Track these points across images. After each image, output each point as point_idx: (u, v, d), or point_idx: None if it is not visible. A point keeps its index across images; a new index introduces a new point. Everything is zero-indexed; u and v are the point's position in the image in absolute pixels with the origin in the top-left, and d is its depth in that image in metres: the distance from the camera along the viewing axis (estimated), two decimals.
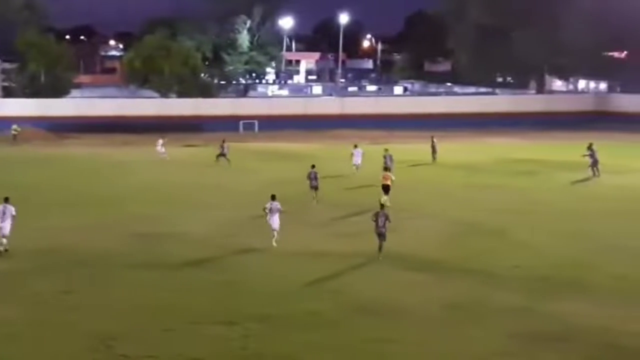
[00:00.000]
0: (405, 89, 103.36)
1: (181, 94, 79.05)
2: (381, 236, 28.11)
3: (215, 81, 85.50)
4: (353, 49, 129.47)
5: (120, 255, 28.42)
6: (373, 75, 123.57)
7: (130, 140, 64.03)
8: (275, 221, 29.69)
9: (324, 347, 19.88)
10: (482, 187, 42.61)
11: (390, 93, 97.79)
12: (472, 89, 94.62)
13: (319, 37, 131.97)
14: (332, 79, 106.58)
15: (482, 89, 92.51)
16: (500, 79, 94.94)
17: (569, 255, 28.74)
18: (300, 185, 42.06)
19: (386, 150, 44.77)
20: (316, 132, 67.31)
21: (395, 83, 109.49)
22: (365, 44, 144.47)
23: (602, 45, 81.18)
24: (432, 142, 51.44)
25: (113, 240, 30.71)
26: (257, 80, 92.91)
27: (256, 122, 72.24)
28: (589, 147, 46.06)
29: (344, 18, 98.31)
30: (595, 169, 45.44)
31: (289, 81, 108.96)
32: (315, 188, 38.65)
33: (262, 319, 21.60)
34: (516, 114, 76.69)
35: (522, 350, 19.70)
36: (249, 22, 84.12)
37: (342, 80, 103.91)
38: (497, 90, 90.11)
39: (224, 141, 52.15)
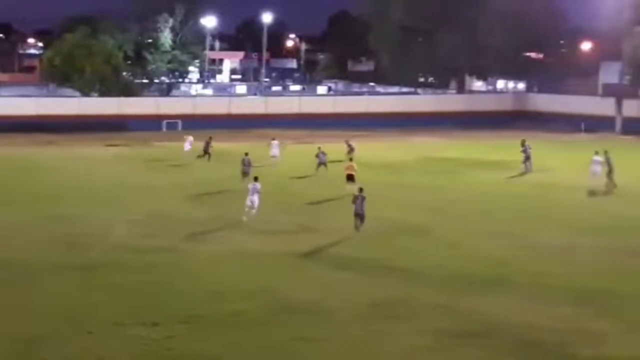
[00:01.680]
0: (329, 89, 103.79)
1: (103, 93, 78.10)
2: (359, 216, 31.08)
3: (138, 80, 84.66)
4: (277, 49, 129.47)
5: (41, 256, 27.98)
6: (297, 74, 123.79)
7: (53, 140, 63.00)
8: (254, 200, 33.01)
9: (249, 347, 19.93)
10: (406, 186, 43.12)
11: (314, 93, 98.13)
12: (395, 89, 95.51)
13: (242, 37, 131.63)
14: (256, 78, 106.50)
15: (405, 89, 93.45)
16: (422, 79, 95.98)
17: (491, 252, 29.27)
18: (226, 184, 42.21)
19: (319, 148, 46.11)
20: (240, 131, 67.20)
21: (319, 83, 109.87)
22: (289, 43, 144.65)
23: (520, 46, 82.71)
24: (347, 144, 51.90)
25: (33, 241, 30.24)
26: (180, 80, 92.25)
27: (180, 122, 71.75)
28: (522, 144, 47.30)
29: (267, 17, 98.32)
30: (527, 164, 46.78)
31: (213, 80, 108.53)
32: (245, 174, 40.81)
33: (186, 320, 21.53)
34: (438, 113, 77.71)
35: (445, 347, 20.01)
36: (171, 21, 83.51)
37: (266, 79, 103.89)
38: (419, 90, 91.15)
39: (210, 138, 52.07)
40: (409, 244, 30.59)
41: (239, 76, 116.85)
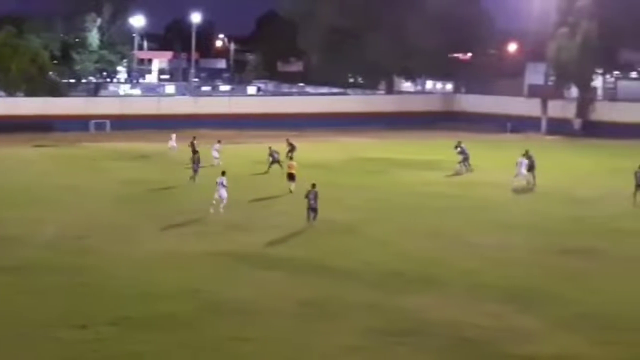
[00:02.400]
0: (259, 89, 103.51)
1: (29, 93, 76.74)
2: (313, 210, 33.00)
3: (65, 80, 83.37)
4: (206, 49, 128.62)
5: None
6: (226, 75, 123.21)
7: None
8: (222, 193, 34.80)
9: (180, 348, 19.83)
10: (337, 185, 43.21)
11: (244, 93, 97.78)
12: (324, 89, 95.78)
13: (171, 36, 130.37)
14: (185, 78, 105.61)
15: (335, 90, 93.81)
16: (351, 80, 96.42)
17: (421, 251, 29.61)
18: (155, 184, 41.93)
19: (270, 148, 46.65)
20: (169, 131, 66.65)
21: (249, 83, 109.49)
22: (218, 43, 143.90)
23: (448, 48, 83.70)
24: (288, 143, 52.02)
25: None
26: (108, 80, 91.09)
27: (108, 122, 70.96)
28: (458, 145, 48.11)
29: (196, 17, 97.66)
30: (465, 164, 47.62)
31: (142, 80, 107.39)
32: (195, 172, 42.83)
33: (116, 322, 21.36)
34: (367, 114, 78.23)
35: (375, 345, 20.16)
36: (98, 21, 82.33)
37: (196, 79, 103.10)
38: (349, 91, 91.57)
39: (194, 138, 51.63)
40: (340, 243, 30.75)
41: (167, 76, 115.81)
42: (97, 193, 40.49)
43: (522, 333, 21.08)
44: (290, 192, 39.63)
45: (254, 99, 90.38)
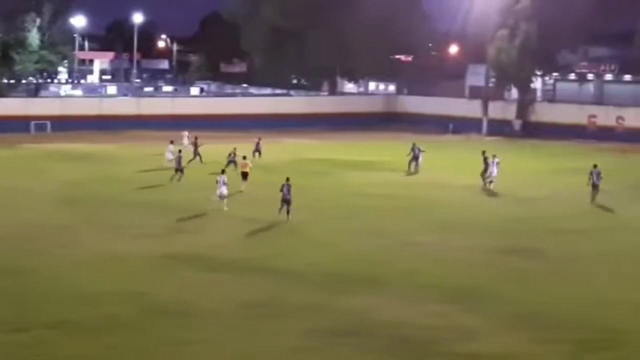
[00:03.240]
0: (202, 90, 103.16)
1: None
2: (287, 202, 34.18)
3: (5, 81, 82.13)
4: (148, 49, 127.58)
5: None
6: (169, 75, 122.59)
7: None
8: (223, 191, 35.73)
9: (123, 350, 19.70)
10: (278, 186, 43.31)
11: (187, 94, 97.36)
12: (268, 90, 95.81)
13: (112, 37, 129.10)
14: (127, 79, 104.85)
15: (278, 90, 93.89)
16: (295, 81, 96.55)
17: (363, 251, 29.75)
18: (95, 186, 41.57)
19: (235, 148, 46.63)
20: (112, 132, 66.21)
21: (192, 84, 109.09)
22: (161, 44, 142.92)
23: (390, 49, 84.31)
24: (257, 143, 52.18)
25: None
26: (49, 80, 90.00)
27: (49, 123, 70.10)
28: (413, 148, 48.74)
29: (138, 18, 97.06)
30: (414, 164, 48.12)
31: (83, 81, 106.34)
32: (179, 170, 43.05)
33: (57, 325, 21.12)
34: (311, 114, 78.38)
35: (318, 346, 20.22)
36: (38, 20, 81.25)
37: (138, 80, 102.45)
38: (292, 92, 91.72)
39: (196, 138, 51.33)
40: (284, 244, 30.78)
41: (109, 77, 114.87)
42: (38, 195, 39.97)
43: (465, 332, 21.30)
44: (241, 191, 39.55)
45: (197, 100, 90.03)
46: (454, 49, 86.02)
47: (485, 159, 44.52)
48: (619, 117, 70.29)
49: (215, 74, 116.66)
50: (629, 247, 31.12)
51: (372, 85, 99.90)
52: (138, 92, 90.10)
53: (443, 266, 27.95)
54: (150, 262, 27.72)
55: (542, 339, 20.91)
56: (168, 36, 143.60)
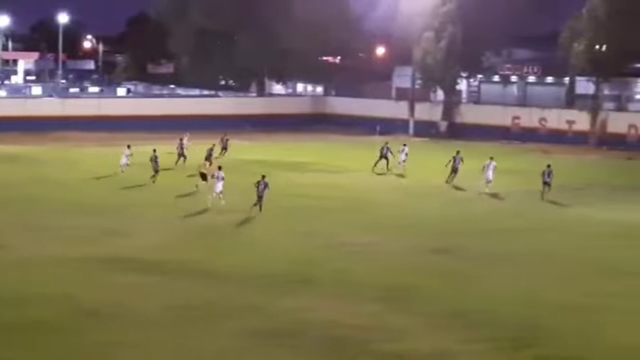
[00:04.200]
0: (129, 91, 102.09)
1: None
2: (260, 198, 35.84)
3: None
4: (74, 49, 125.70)
5: None
6: (95, 76, 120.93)
7: None
8: (218, 187, 36.87)
9: (49, 353, 19.57)
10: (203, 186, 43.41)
11: (114, 94, 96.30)
12: (195, 91, 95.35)
13: (37, 37, 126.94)
14: (52, 79, 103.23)
15: (206, 92, 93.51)
16: (223, 82, 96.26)
17: (297, 252, 29.94)
18: (25, 188, 41.05)
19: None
20: (36, 134, 65.19)
21: (118, 84, 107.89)
22: (87, 44, 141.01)
23: (318, 50, 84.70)
24: (223, 141, 53.00)
25: None
26: None
27: None
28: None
29: (63, 18, 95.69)
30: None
31: (7, 82, 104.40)
32: (156, 171, 43.08)
33: None
34: (239, 116, 78.27)
35: (252, 348, 20.32)
36: None
37: (63, 81, 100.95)
38: (220, 93, 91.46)
39: (181, 139, 51.11)
40: (217, 245, 30.82)
41: (34, 77, 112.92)
42: None
43: (396, 331, 21.59)
44: (196, 187, 40.02)
45: (124, 101, 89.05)
46: (381, 51, 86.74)
47: (454, 159, 45.53)
48: (542, 119, 71.83)
49: (142, 74, 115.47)
50: (555, 247, 31.86)
51: (300, 87, 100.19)
52: (63, 93, 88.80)
53: (375, 266, 28.28)
54: (81, 265, 27.47)
55: (470, 337, 21.30)
56: (94, 36, 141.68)
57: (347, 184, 45.68)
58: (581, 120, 69.28)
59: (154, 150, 45.10)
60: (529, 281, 26.89)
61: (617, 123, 68.03)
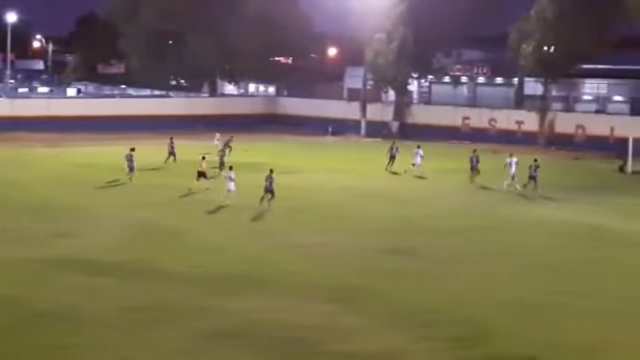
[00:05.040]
0: (79, 91, 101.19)
1: None
2: (270, 192, 37.42)
3: None
4: (22, 49, 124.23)
5: None
6: (45, 76, 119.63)
7: None
8: (232, 186, 38.43)
9: (2, 356, 19.44)
10: (163, 188, 43.30)
11: (64, 95, 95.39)
12: (147, 92, 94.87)
13: None
14: (0, 79, 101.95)
15: (157, 92, 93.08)
16: (174, 82, 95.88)
17: (249, 253, 30.01)
18: None
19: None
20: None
21: (68, 85, 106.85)
22: (36, 44, 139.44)
23: (270, 51, 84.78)
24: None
25: None
26: None
27: None
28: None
29: (11, 17, 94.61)
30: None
31: None
32: (131, 170, 44.05)
33: None
34: (191, 116, 78.12)
35: (204, 349, 20.34)
36: None
37: (12, 81, 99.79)
38: (172, 93, 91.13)
39: (172, 138, 51.23)
40: (170, 247, 30.74)
41: None
42: None
43: (347, 332, 21.73)
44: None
45: (74, 101, 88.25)
46: (332, 52, 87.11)
47: (471, 159, 47.12)
48: (492, 119, 72.64)
49: (93, 75, 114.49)
50: (504, 246, 32.21)
51: (252, 87, 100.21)
52: (12, 93, 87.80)
53: (327, 266, 28.44)
54: (31, 266, 27.26)
55: (420, 336, 21.49)
56: (43, 36, 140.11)
57: (300, 184, 45.75)
58: (530, 121, 70.23)
59: (131, 149, 45.26)
60: (481, 280, 27.20)
61: (565, 123, 69.07)
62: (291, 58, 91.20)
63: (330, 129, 76.11)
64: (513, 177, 44.99)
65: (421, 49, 73.39)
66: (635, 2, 59.47)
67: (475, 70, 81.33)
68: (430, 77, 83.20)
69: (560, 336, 21.76)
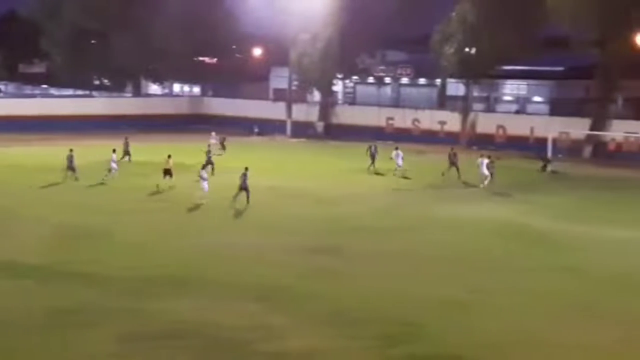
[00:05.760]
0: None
1: None
2: (245, 190, 39.07)
3: None
4: None
5: None
6: None
7: None
8: (205, 186, 39.90)
9: None
10: (88, 188, 42.94)
11: None
12: (69, 91, 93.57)
13: None
14: None
15: (80, 92, 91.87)
16: (97, 82, 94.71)
17: (176, 253, 30.03)
18: None
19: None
20: None
21: None
22: None
23: (194, 51, 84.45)
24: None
25: None
26: None
27: None
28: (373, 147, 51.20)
29: None
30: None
31: None
32: (72, 170, 44.82)
33: None
34: (115, 116, 77.41)
35: (132, 351, 20.36)
36: None
37: None
38: (95, 93, 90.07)
39: (127, 138, 51.28)
40: (96, 248, 30.56)
41: None
42: None
43: (274, 331, 21.95)
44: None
45: None
46: (258, 52, 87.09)
47: (449, 156, 48.99)
48: (415, 119, 73.58)
49: (13, 74, 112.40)
50: (429, 245, 32.73)
51: (177, 87, 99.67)
52: None
53: (257, 266, 28.58)
54: None
55: (346, 335, 21.79)
56: None
57: (227, 184, 45.68)
58: (452, 121, 71.27)
59: (70, 150, 45.32)
60: (407, 279, 27.59)
61: (486, 124, 70.31)
62: (216, 58, 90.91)
63: (256, 129, 76.25)
64: (486, 177, 46.42)
65: (346, 49, 73.96)
66: (554, 5, 60.82)
67: (398, 71, 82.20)
68: (354, 77, 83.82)
69: (482, 334, 22.20)
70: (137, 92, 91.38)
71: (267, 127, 76.23)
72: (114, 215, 36.25)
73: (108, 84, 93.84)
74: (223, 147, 56.55)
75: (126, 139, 52.81)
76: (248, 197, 39.31)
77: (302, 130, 75.06)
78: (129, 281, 26.26)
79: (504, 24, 65.45)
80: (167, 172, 43.93)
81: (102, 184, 44.93)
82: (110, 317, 22.70)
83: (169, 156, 44.63)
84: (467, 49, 69.67)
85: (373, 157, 51.74)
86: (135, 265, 28.23)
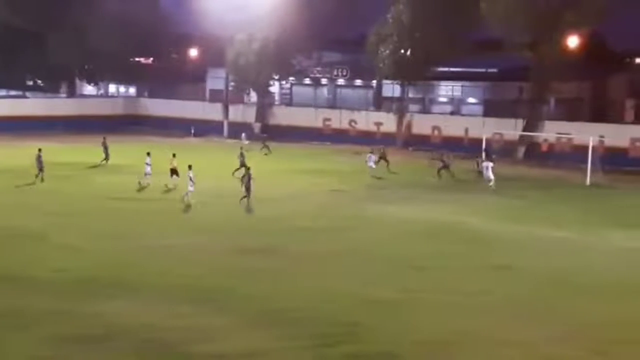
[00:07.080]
0: None
1: None
2: (248, 190, 39.57)
3: None
4: None
5: None
6: None
7: None
8: (191, 186, 39.96)
9: None
10: (23, 190, 42.46)
11: None
12: (2, 92, 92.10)
13: None
14: None
15: (12, 92, 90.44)
16: (31, 82, 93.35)
17: (112, 255, 29.93)
18: None
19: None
20: None
21: None
22: None
23: (130, 51, 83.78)
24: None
25: None
26: None
27: None
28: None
29: None
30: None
31: None
32: (41, 170, 44.75)
33: None
34: (49, 117, 76.42)
35: (66, 354, 20.23)
36: None
37: None
38: (28, 94, 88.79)
39: (105, 138, 51.64)
40: (31, 251, 30.30)
41: None
42: None
43: (211, 332, 21.99)
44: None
45: None
46: (194, 52, 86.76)
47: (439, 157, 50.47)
48: (352, 121, 74.04)
49: None
50: (364, 245, 33.05)
51: (112, 88, 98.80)
52: None
53: (192, 268, 28.61)
54: None
55: (284, 335, 21.93)
56: None
57: (162, 185, 45.60)
58: (389, 122, 71.87)
59: (39, 150, 45.50)
60: (343, 279, 27.82)
61: (422, 125, 71.05)
62: (152, 59, 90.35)
63: (192, 130, 76.00)
64: (489, 180, 47.76)
65: (282, 50, 74.11)
66: (488, 7, 61.71)
67: (335, 72, 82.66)
68: (291, 78, 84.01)
69: (417, 332, 22.55)
70: (72, 93, 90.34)
71: (203, 128, 76.03)
72: (48, 217, 35.90)
73: (42, 84, 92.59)
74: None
75: (104, 138, 52.49)
76: (245, 197, 39.67)
77: (240, 131, 74.92)
78: (65, 283, 26.08)
79: (437, 26, 66.23)
80: (174, 171, 44.17)
81: (31, 184, 44.49)
82: (43, 319, 22.52)
83: (174, 155, 45.07)
84: (402, 51, 70.27)
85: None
86: (71, 267, 28.03)
